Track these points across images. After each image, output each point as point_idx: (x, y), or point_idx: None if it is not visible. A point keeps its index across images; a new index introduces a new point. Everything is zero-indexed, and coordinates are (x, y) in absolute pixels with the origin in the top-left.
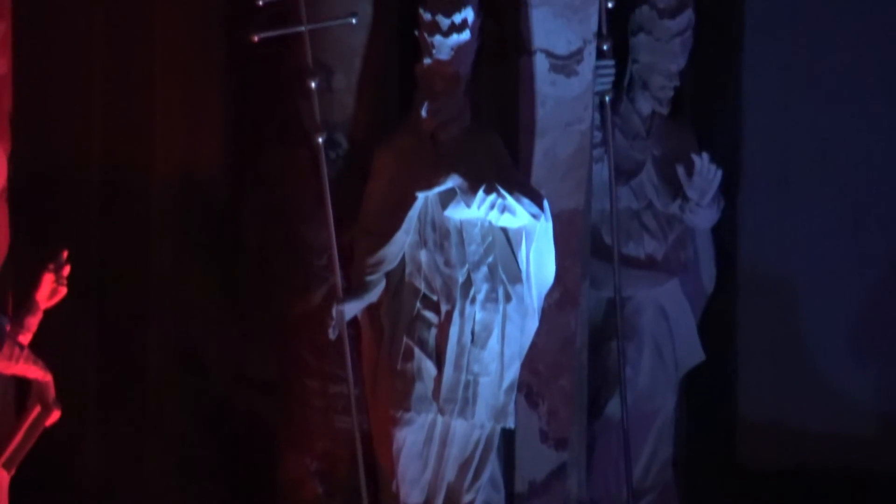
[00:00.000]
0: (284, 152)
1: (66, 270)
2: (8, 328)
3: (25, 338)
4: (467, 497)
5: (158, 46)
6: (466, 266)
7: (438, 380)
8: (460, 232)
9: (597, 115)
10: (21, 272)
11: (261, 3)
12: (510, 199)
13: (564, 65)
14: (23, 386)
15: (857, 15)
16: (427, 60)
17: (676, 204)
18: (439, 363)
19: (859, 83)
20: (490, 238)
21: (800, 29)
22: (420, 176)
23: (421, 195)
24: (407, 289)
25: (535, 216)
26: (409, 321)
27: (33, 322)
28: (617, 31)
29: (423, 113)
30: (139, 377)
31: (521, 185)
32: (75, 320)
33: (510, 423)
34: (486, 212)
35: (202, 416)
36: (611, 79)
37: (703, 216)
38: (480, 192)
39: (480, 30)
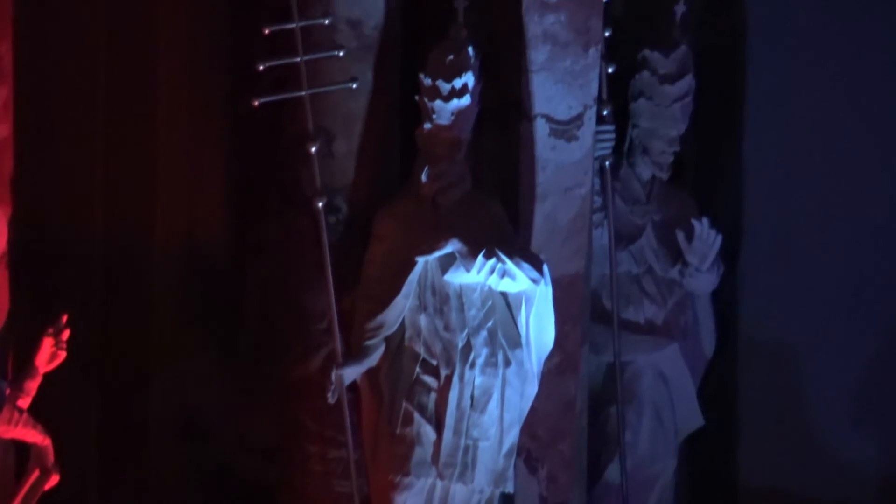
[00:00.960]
0: (285, 217)
1: (66, 335)
2: (7, 392)
3: (25, 402)
4: None
5: (160, 112)
6: (466, 331)
7: (438, 444)
8: (460, 297)
9: (597, 180)
10: (21, 336)
11: (261, 67)
12: (510, 264)
13: (565, 130)
14: (22, 450)
15: (859, 81)
16: (427, 125)
17: (676, 269)
18: (438, 428)
19: (861, 151)
20: (490, 303)
21: (802, 96)
22: (420, 241)
23: (421, 260)
24: (406, 353)
25: (534, 281)
26: (409, 386)
27: (32, 386)
28: (617, 97)
29: (424, 178)
30: (140, 442)
31: (521, 249)
32: (77, 385)
33: (510, 488)
34: (485, 276)
35: (203, 481)
36: (611, 144)
37: (702, 281)
38: (480, 257)
39: (481, 94)
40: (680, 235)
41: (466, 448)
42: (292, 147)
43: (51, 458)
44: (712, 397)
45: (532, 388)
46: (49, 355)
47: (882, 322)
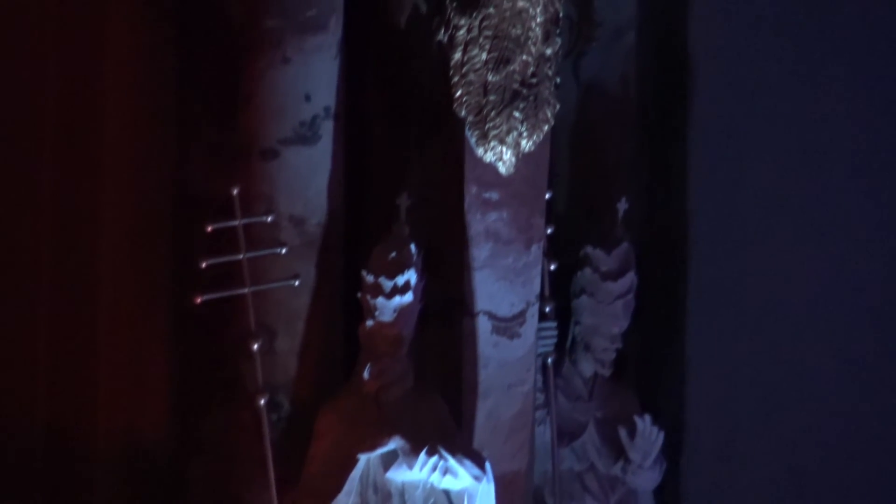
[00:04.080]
0: (227, 415)
1: None
2: None
3: None
4: None
5: (102, 309)
6: None
7: None
8: (402, 494)
9: (539, 377)
10: None
11: (204, 265)
12: (452, 462)
13: (507, 327)
14: None
15: (802, 272)
16: (370, 322)
17: (619, 466)
18: None
19: (804, 356)
20: (432, 500)
21: (743, 293)
22: (362, 437)
23: (363, 457)
24: None
25: (477, 478)
26: None
27: None
28: (560, 293)
29: (366, 374)
30: None
31: (463, 446)
32: None
33: None
34: (428, 474)
35: None
36: (553, 341)
37: (645, 478)
38: (423, 454)
39: (423, 291)
40: (622, 432)
41: None
42: (234, 344)
43: None
44: None
45: None
46: None
47: None
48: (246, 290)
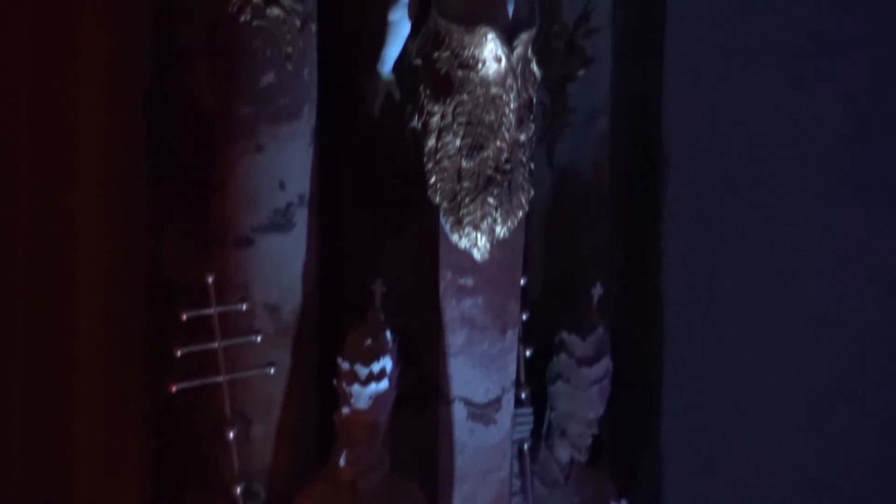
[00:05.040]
0: (203, 503)
1: None
2: None
3: None
4: None
5: (77, 393)
6: None
7: None
8: None
9: (516, 463)
10: None
11: (179, 353)
12: None
13: (483, 413)
14: None
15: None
16: (345, 409)
17: None
18: None
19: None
20: None
21: (719, 381)
22: None
23: None
24: None
25: None
26: None
27: None
28: (535, 380)
29: (342, 462)
30: None
31: None
32: None
33: None
34: None
35: None
36: (529, 426)
37: None
38: None
39: (399, 378)
40: None
41: None
42: (210, 431)
43: None
44: None
45: None
46: None
47: None
48: (221, 379)
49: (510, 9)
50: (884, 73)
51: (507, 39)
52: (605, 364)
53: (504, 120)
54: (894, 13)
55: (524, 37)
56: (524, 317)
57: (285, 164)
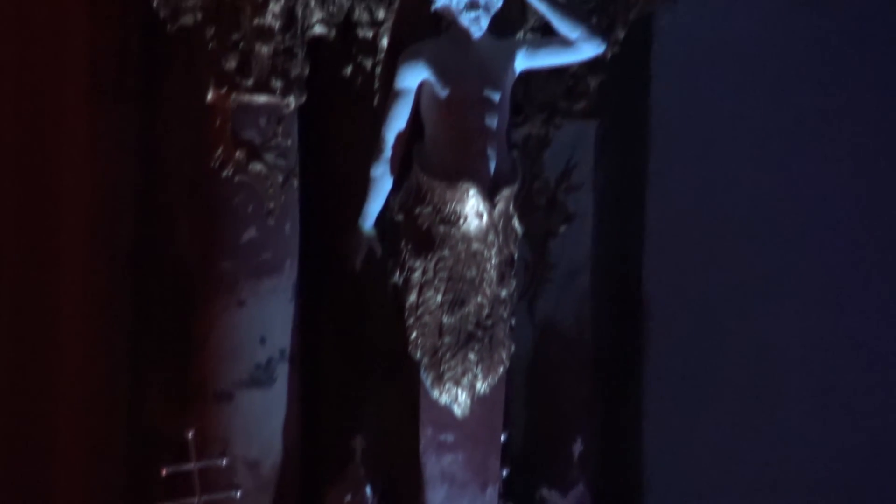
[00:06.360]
0: None
1: None
2: None
3: None
4: None
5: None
6: None
7: None
8: None
9: None
10: None
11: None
12: None
13: None
14: None
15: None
16: None
17: None
18: None
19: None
20: None
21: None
22: None
23: None
24: None
25: None
26: None
27: None
28: None
29: None
30: None
31: None
32: None
33: None
34: None
35: None
36: None
37: None
38: None
39: None
40: None
41: None
42: None
43: None
44: None
45: None
46: None
47: None
48: (195, 500)
49: (492, 165)
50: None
51: (489, 195)
52: (580, 490)
53: (485, 276)
54: None
55: (506, 193)
56: (504, 473)
57: (267, 319)
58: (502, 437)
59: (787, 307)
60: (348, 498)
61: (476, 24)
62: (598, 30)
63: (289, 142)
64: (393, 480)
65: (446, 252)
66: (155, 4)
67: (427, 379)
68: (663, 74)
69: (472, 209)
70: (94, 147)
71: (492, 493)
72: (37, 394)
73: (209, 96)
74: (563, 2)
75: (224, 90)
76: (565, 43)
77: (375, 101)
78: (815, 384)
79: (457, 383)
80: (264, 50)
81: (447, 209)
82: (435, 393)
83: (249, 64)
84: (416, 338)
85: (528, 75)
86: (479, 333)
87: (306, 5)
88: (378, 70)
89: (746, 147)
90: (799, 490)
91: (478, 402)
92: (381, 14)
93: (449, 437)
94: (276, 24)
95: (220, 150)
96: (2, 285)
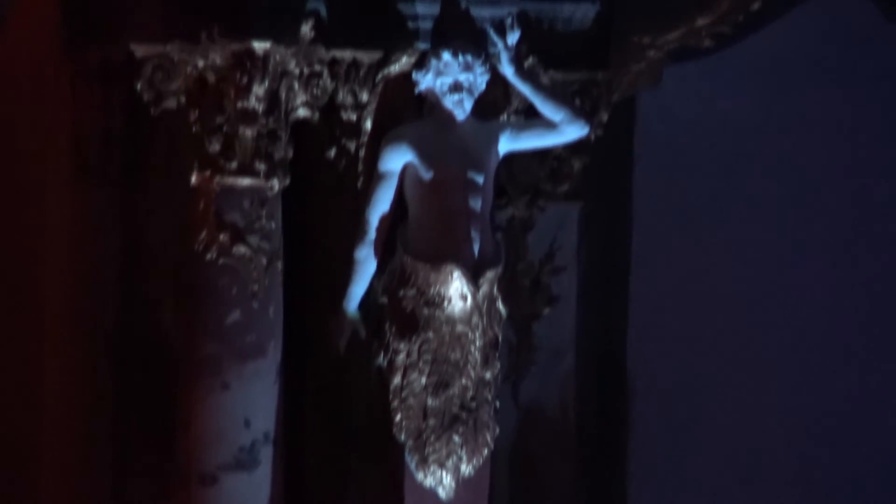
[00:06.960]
0: None
1: None
2: None
3: None
4: None
5: None
6: None
7: None
8: None
9: None
10: None
11: None
12: None
13: None
14: None
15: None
16: None
17: None
18: None
19: None
20: None
21: None
22: None
23: None
24: None
25: None
26: None
27: None
28: None
29: None
30: None
31: None
32: None
33: None
34: None
35: None
36: None
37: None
38: None
39: None
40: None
41: None
42: None
43: None
44: None
45: None
46: None
47: None
48: None
49: (476, 247)
50: None
51: (473, 278)
52: None
53: (470, 358)
54: None
55: (490, 275)
56: None
57: (251, 402)
58: None
59: (771, 387)
60: None
61: (460, 107)
62: (582, 112)
63: (272, 224)
64: None
65: (430, 334)
66: (138, 88)
67: (412, 461)
68: (646, 155)
69: (457, 291)
70: (77, 229)
71: None
72: (19, 477)
73: (193, 179)
74: (547, 84)
75: (208, 173)
76: (549, 125)
77: (359, 184)
78: (798, 463)
79: (441, 466)
80: (248, 133)
81: (431, 291)
82: (419, 475)
83: (233, 147)
84: (401, 420)
85: (512, 157)
86: (464, 416)
87: (290, 88)
88: (362, 152)
89: (730, 226)
90: None
91: (462, 484)
92: (364, 96)
93: None
94: (260, 108)
95: (203, 233)
96: None
